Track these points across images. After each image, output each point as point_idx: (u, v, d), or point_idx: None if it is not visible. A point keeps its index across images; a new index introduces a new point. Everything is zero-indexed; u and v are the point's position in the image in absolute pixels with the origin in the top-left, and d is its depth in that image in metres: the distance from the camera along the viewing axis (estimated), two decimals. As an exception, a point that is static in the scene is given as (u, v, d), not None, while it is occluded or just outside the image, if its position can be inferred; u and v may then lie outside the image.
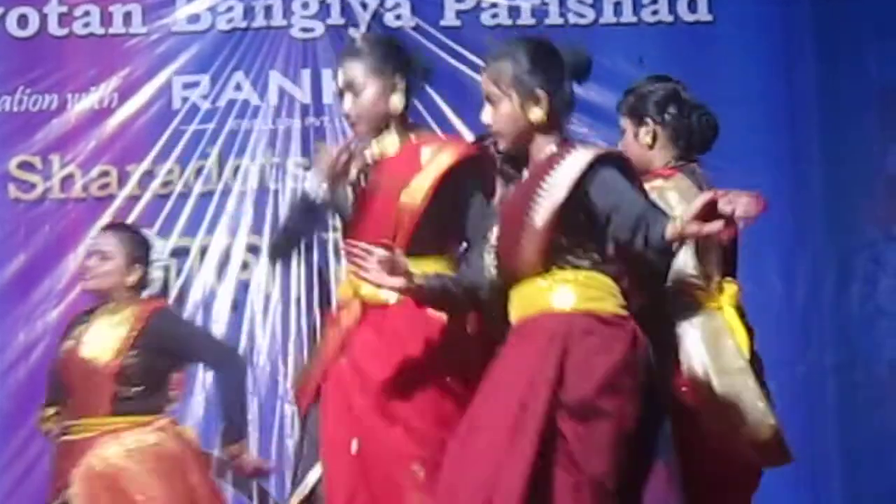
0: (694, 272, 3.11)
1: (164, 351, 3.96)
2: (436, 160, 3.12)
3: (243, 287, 5.22)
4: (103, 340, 3.94)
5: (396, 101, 3.08)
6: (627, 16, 5.39)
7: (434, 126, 4.99)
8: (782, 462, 3.03)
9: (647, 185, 3.04)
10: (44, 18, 5.32)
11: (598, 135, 5.05)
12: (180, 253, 5.23)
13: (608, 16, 5.37)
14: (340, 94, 3.19)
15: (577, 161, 2.57)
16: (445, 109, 5.22)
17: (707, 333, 3.15)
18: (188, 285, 5.17)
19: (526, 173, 2.76)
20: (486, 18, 5.37)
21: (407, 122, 3.21)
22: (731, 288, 3.17)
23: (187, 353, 4.11)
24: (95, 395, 3.94)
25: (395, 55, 3.23)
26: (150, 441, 3.94)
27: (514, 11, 5.36)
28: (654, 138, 3.30)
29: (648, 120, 3.30)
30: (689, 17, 5.34)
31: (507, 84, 2.76)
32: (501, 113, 2.77)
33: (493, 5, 5.35)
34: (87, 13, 5.34)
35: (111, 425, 3.91)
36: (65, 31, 5.37)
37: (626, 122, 3.39)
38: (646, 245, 2.42)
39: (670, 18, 5.37)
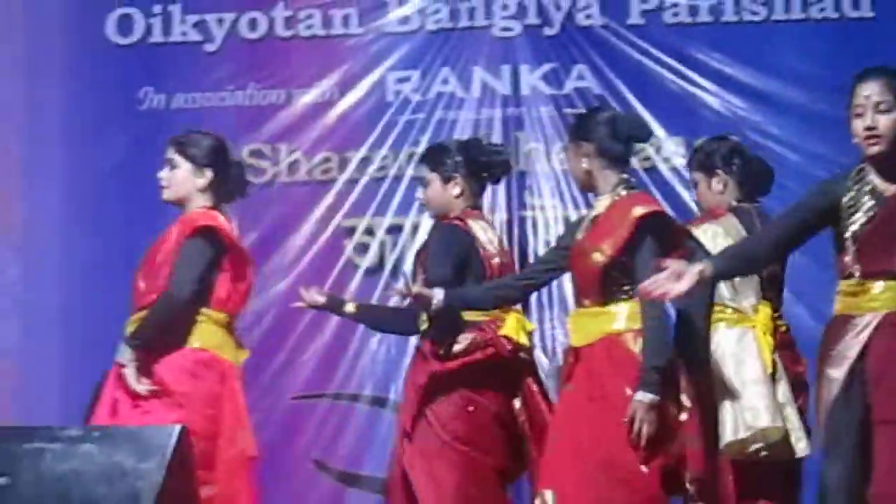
0: (729, 297, 4.05)
1: None
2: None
3: None
4: None
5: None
6: (796, 12, 5.66)
7: (622, 115, 5.47)
8: (790, 457, 3.92)
9: (697, 228, 4.02)
10: (271, 22, 5.86)
11: (773, 124, 5.60)
12: (394, 230, 5.75)
13: (779, 12, 5.66)
14: None
15: None
16: (632, 100, 5.60)
17: (735, 347, 4.02)
18: (402, 259, 5.65)
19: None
20: (667, 17, 5.72)
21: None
22: (764, 311, 4.06)
23: None
24: None
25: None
26: None
27: (693, 10, 5.72)
28: (725, 185, 4.19)
29: (719, 171, 4.17)
30: (853, 14, 5.60)
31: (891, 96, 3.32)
32: (893, 120, 3.32)
33: (675, 5, 5.70)
34: (310, 16, 5.85)
35: None
36: (290, 33, 5.89)
37: (697, 175, 4.23)
38: None
39: (836, 15, 5.63)
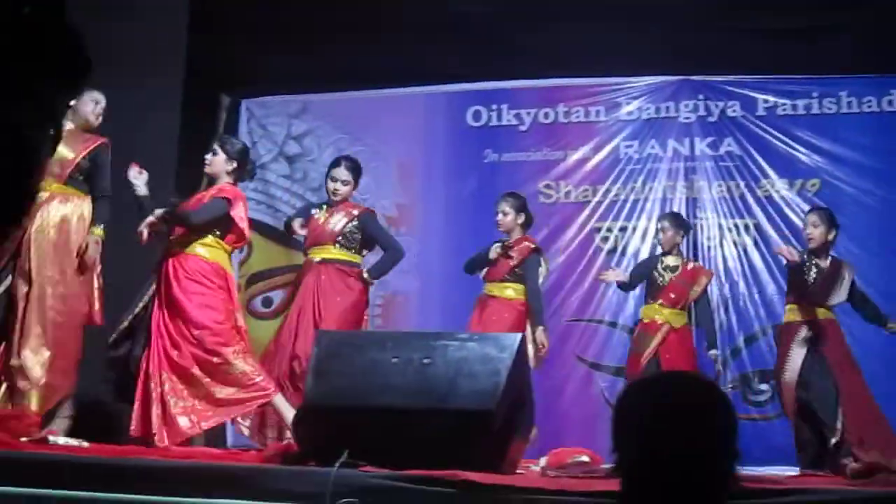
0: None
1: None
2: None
3: (654, 247, 7.81)
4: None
5: None
6: (854, 108, 7.89)
7: (756, 172, 7.98)
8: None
9: None
10: (556, 114, 8.52)
11: (840, 171, 7.90)
12: (624, 229, 8.13)
13: (844, 108, 7.96)
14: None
15: None
16: (758, 157, 8.05)
17: None
18: (626, 247, 8.10)
19: None
20: (779, 111, 8.04)
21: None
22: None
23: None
24: None
25: None
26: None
27: (794, 107, 8.03)
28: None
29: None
30: (888, 108, 7.86)
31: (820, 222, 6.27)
32: (818, 230, 6.27)
33: (784, 104, 8.04)
34: (577, 110, 8.44)
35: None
36: (567, 120, 8.49)
37: None
38: None
39: (878, 109, 7.90)
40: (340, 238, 6.49)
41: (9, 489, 3.82)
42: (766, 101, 8.17)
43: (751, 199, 8.20)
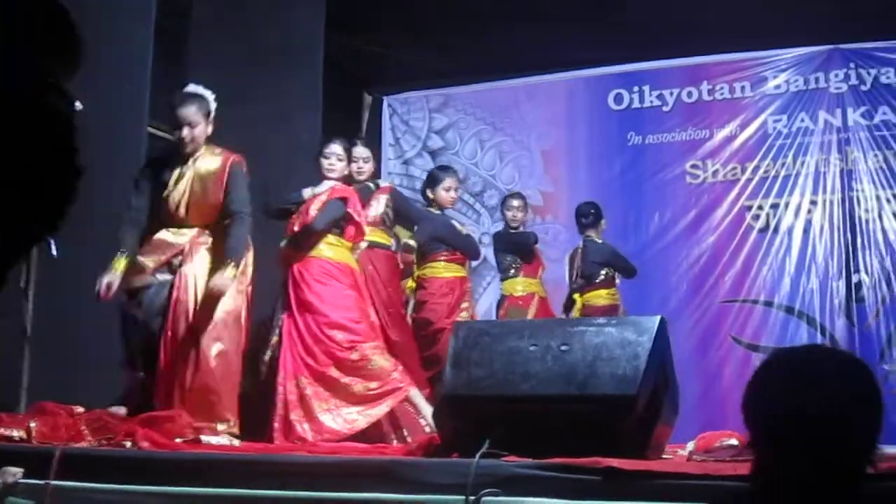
0: None
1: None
2: None
3: (809, 222, 8.01)
4: None
5: None
6: None
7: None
8: None
9: None
10: (700, 92, 8.58)
11: None
12: (775, 206, 8.03)
13: None
14: None
15: None
16: None
17: None
18: (778, 224, 7.98)
19: None
20: None
21: None
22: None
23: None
24: None
25: None
26: None
27: None
28: None
29: None
30: None
31: None
32: None
33: None
34: (722, 87, 8.47)
35: None
36: (711, 98, 8.54)
37: None
38: None
39: None
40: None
41: (165, 489, 3.93)
42: (922, 69, 7.96)
43: (910, 169, 7.91)
